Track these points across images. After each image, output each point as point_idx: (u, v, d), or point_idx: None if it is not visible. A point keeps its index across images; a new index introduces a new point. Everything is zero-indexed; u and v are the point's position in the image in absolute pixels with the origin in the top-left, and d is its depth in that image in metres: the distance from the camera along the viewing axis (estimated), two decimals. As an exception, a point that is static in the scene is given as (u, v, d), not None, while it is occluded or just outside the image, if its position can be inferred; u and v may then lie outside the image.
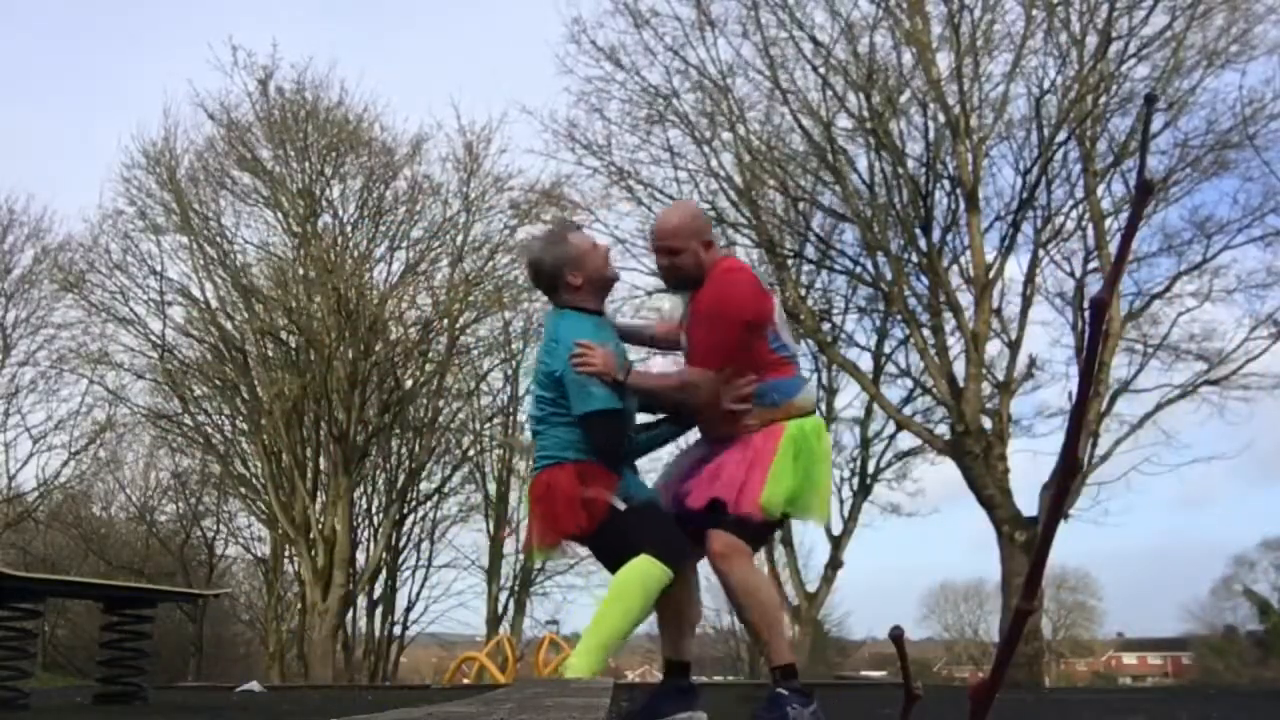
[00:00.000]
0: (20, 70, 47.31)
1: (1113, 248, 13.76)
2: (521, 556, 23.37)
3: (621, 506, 3.23)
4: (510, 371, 22.49)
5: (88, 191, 55.34)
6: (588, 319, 3.38)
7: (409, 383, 19.43)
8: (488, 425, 22.21)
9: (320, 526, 18.35)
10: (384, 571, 22.21)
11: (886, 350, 18.33)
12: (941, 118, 13.95)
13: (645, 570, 3.17)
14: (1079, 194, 14.47)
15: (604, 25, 15.10)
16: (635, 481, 3.41)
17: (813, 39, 14.31)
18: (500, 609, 22.92)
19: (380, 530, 20.62)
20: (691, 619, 3.50)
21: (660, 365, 3.97)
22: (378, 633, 22.51)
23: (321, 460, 19.24)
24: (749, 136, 15.13)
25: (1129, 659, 52.02)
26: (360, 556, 20.54)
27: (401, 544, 22.63)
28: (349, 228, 19.02)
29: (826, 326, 17.49)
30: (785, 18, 14.33)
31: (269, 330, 18.82)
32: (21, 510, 22.41)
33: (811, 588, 20.56)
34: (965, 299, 14.17)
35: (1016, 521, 12.92)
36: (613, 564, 3.35)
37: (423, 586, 23.53)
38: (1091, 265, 14.73)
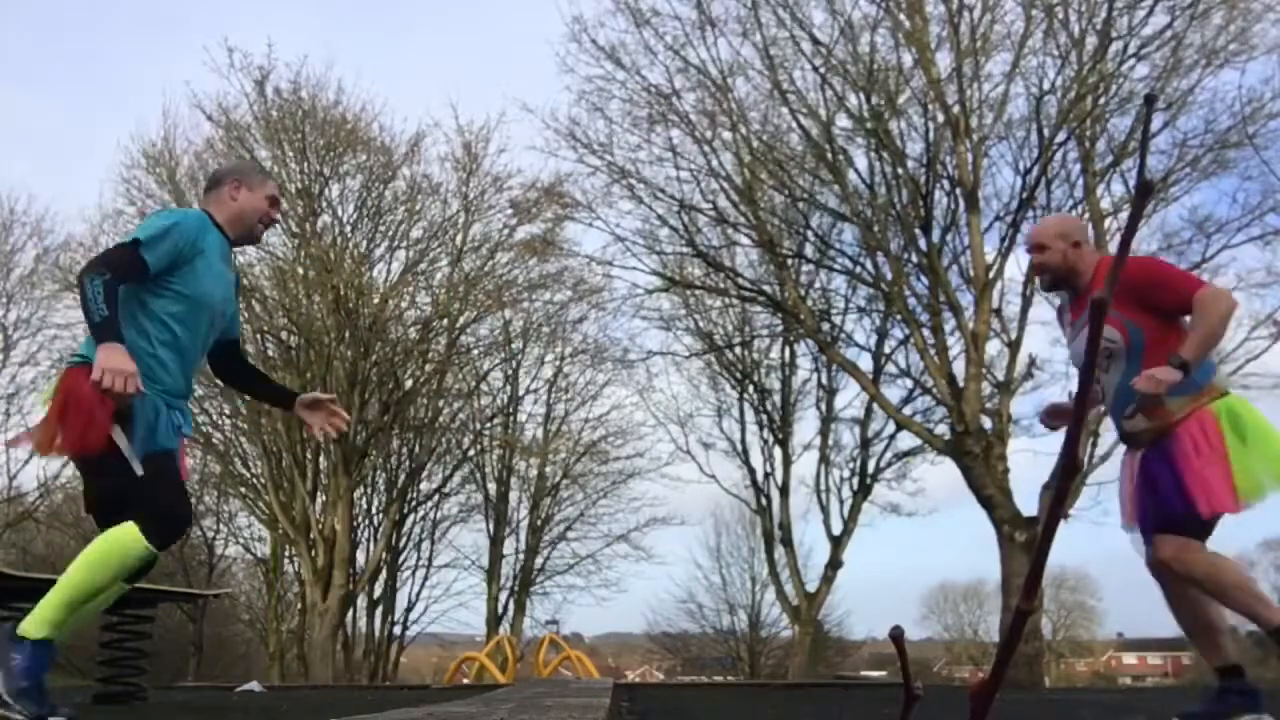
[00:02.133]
0: (21, 69, 47.29)
1: (1113, 248, 13.74)
2: (523, 556, 23.44)
3: (125, 447, 3.07)
4: (510, 371, 22.51)
5: (88, 192, 55.40)
6: (210, 226, 3.38)
7: (409, 383, 19.42)
8: (488, 425, 22.20)
9: (320, 526, 18.35)
10: (384, 571, 22.20)
11: (886, 350, 18.33)
12: (941, 117, 13.94)
13: (128, 546, 3.07)
14: (1079, 194, 14.47)
15: (605, 25, 15.10)
16: (169, 422, 3.24)
17: (812, 38, 14.31)
18: (500, 609, 22.93)
19: (380, 530, 20.62)
20: (1214, 620, 3.45)
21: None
22: (378, 633, 22.51)
23: (321, 460, 19.23)
24: (749, 136, 15.13)
25: (1129, 659, 52.00)
26: (360, 556, 20.54)
27: (401, 544, 22.64)
28: (348, 228, 19.02)
29: (826, 326, 17.49)
30: (786, 16, 14.33)
31: (269, 330, 18.82)
32: (22, 510, 22.40)
33: (811, 588, 20.54)
34: (965, 299, 14.16)
35: (1016, 521, 12.91)
36: (99, 500, 3.22)
37: (423, 586, 23.56)
38: (1091, 265, 14.72)
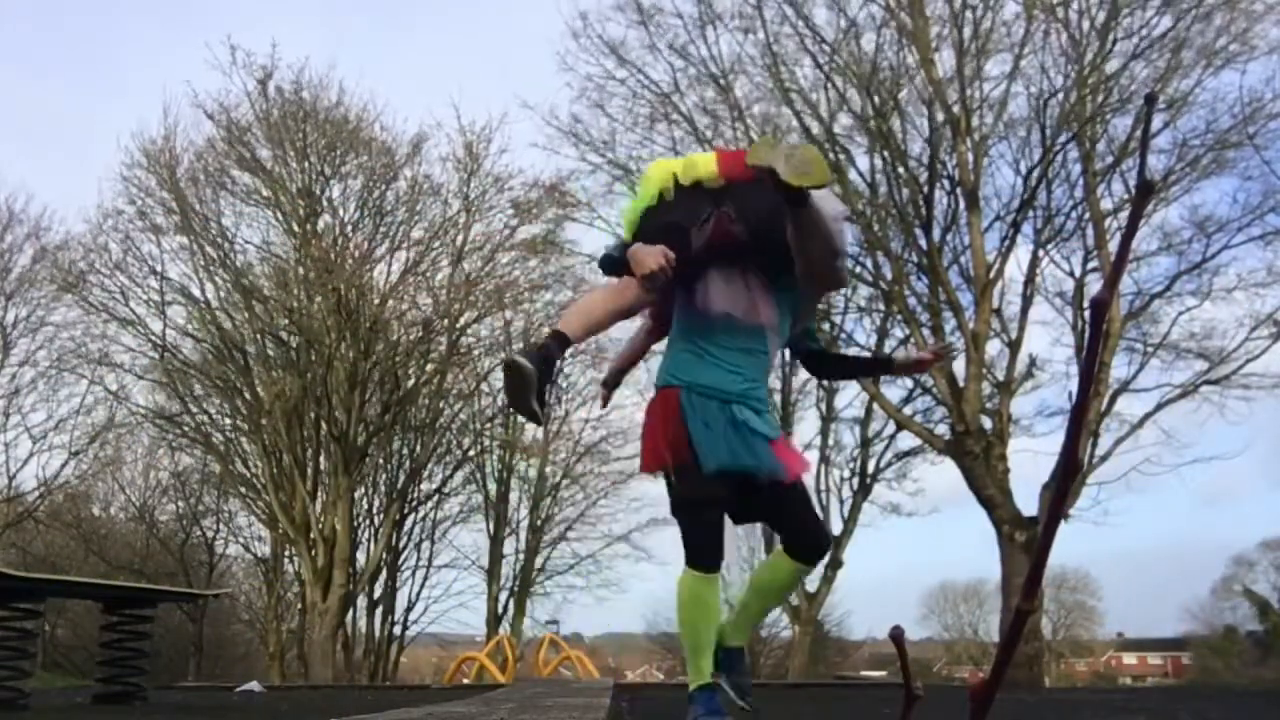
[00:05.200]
0: (21, 66, 47.30)
1: (1113, 248, 13.75)
2: (523, 556, 23.45)
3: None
4: (510, 372, 22.46)
5: (88, 191, 55.35)
6: None
7: (409, 383, 19.41)
8: (488, 425, 22.19)
9: (320, 526, 18.35)
10: (384, 571, 22.19)
11: (887, 350, 18.30)
12: (942, 116, 13.95)
13: (688, 587, 3.23)
14: (1079, 194, 14.47)
15: (609, 19, 15.13)
16: (760, 422, 3.37)
17: (816, 33, 14.32)
18: (500, 609, 22.92)
19: (380, 530, 20.60)
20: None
21: None
22: (378, 633, 22.50)
23: (322, 460, 19.22)
24: (750, 134, 15.13)
25: (1129, 659, 52.01)
26: (360, 556, 20.53)
27: (401, 544, 22.62)
28: (349, 228, 19.02)
29: (826, 326, 17.49)
30: (790, 13, 14.35)
31: (269, 330, 18.81)
32: (21, 510, 22.40)
33: (811, 588, 20.51)
34: (965, 299, 14.16)
35: (1016, 521, 12.91)
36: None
37: (423, 586, 23.53)
38: (1091, 265, 14.73)
